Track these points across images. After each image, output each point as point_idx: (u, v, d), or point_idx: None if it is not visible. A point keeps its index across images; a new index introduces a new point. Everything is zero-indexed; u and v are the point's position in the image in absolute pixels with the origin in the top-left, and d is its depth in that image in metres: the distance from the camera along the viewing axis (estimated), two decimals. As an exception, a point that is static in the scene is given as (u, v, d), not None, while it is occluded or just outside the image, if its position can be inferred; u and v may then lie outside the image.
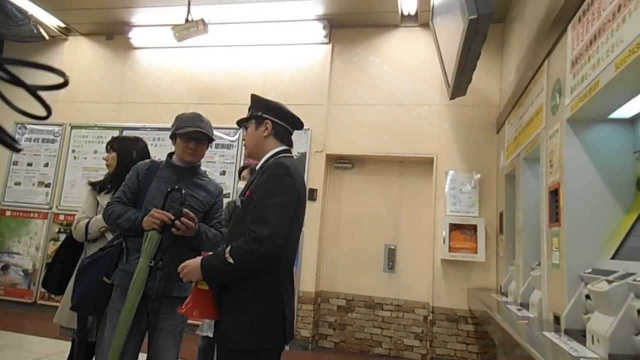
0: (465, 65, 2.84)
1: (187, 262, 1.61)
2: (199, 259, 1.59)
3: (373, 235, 4.43)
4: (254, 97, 1.80)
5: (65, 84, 0.64)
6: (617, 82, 1.50)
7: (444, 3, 2.93)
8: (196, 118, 2.15)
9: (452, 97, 3.55)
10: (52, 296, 4.27)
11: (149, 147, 2.60)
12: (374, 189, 4.51)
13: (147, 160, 2.26)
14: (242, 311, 1.56)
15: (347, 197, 4.56)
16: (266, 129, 1.70)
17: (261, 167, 1.69)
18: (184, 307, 1.60)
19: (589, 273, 1.81)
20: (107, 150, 2.51)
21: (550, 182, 2.20)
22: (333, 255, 4.47)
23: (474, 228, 3.92)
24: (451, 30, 2.81)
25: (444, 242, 3.95)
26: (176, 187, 2.03)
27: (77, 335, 2.23)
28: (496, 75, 4.14)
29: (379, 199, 4.48)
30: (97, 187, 2.42)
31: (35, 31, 5.05)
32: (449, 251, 3.93)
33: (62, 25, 5.15)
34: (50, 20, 5.03)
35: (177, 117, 2.18)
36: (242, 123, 1.81)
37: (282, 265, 1.61)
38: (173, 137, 2.15)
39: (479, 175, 4.05)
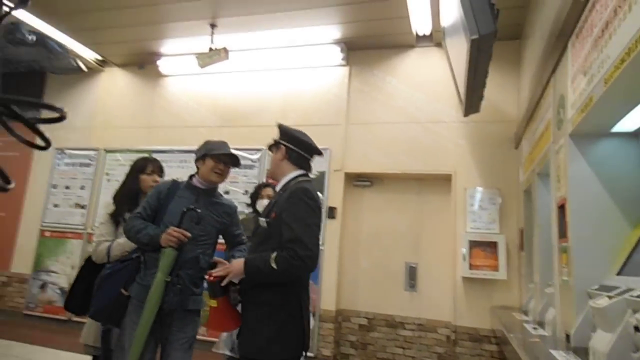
0: (474, 83, 2.87)
1: (232, 263, 1.86)
2: (242, 259, 1.83)
3: (393, 253, 4.43)
4: (278, 126, 2.02)
5: (61, 118, 0.71)
6: (608, 97, 1.51)
7: (452, 24, 2.98)
8: (225, 144, 2.37)
9: (466, 114, 3.57)
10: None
11: (177, 169, 2.70)
12: (393, 207, 4.53)
13: (169, 180, 2.40)
14: (265, 324, 1.72)
15: (366, 215, 4.59)
16: (281, 153, 1.91)
17: (283, 189, 1.88)
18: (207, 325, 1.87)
19: (596, 289, 1.78)
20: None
21: (558, 197, 2.18)
22: (353, 273, 4.48)
23: (494, 245, 3.86)
24: (459, 50, 2.86)
25: (464, 259, 3.91)
26: (192, 207, 2.16)
27: (102, 353, 2.35)
28: (513, 91, 4.12)
29: (399, 217, 4.48)
30: (115, 219, 2.50)
31: (74, 64, 5.45)
32: (470, 269, 3.88)
33: (99, 57, 5.52)
34: (88, 54, 5.40)
35: (207, 142, 2.38)
36: (269, 148, 2.05)
37: (303, 282, 1.81)
38: (202, 158, 2.30)
39: (498, 192, 4.00)
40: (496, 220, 3.97)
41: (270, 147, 2.01)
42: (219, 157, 2.27)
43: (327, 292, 4.28)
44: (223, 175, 2.32)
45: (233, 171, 4.91)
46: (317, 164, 4.49)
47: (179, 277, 2.12)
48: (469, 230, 4.00)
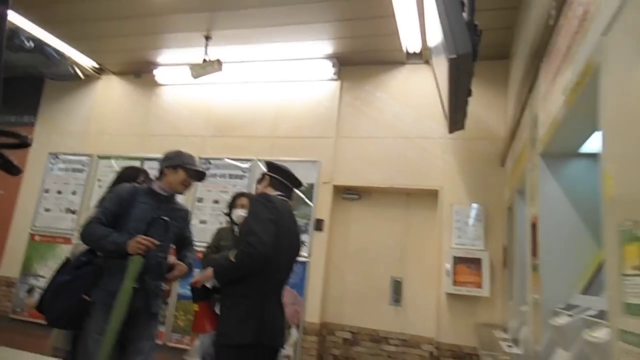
0: (456, 101, 2.92)
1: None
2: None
3: (379, 267, 4.44)
4: (266, 162, 2.53)
5: (23, 145, 0.72)
6: (570, 119, 1.55)
7: (436, 44, 3.04)
8: (195, 159, 2.52)
9: (451, 131, 3.61)
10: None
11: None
12: (380, 220, 4.55)
13: (129, 185, 2.42)
14: (231, 313, 2.02)
15: (353, 228, 4.61)
16: (265, 182, 2.32)
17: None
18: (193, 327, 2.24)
19: (562, 308, 1.79)
20: None
21: (531, 215, 2.21)
22: (339, 286, 4.48)
23: (478, 262, 3.87)
24: (442, 69, 2.91)
25: (448, 275, 3.91)
26: (162, 217, 2.27)
27: (70, 356, 2.37)
28: (501, 109, 4.18)
29: (386, 231, 4.50)
30: None
31: (71, 71, 5.55)
32: (454, 285, 3.88)
33: (96, 65, 5.60)
34: (85, 61, 5.48)
35: (180, 153, 2.47)
36: (258, 182, 2.45)
37: (265, 277, 2.05)
38: (174, 167, 2.37)
39: (484, 208, 4.02)
40: (481, 236, 3.98)
41: (258, 181, 2.41)
42: (191, 173, 2.40)
43: (311, 305, 4.28)
44: (187, 189, 2.49)
45: (224, 180, 4.97)
46: (307, 177, 4.55)
47: (144, 282, 2.20)
48: (454, 246, 4.01)
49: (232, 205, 3.11)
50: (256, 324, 1.98)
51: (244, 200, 3.04)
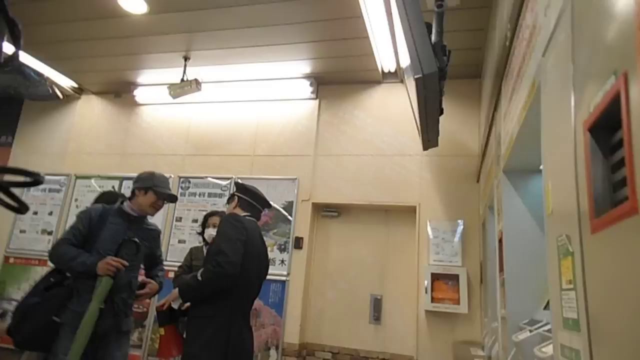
0: (427, 119, 2.97)
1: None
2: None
3: (359, 285, 4.42)
4: (235, 183, 2.77)
5: (36, 183, 0.68)
6: (523, 136, 1.59)
7: (407, 64, 3.11)
8: (167, 181, 2.58)
9: (425, 148, 3.66)
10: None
11: None
12: (360, 238, 4.55)
13: (99, 206, 2.44)
14: (198, 335, 2.01)
15: (333, 245, 4.60)
16: (234, 202, 2.38)
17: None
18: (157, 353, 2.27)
19: (526, 323, 1.81)
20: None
21: (498, 231, 2.24)
22: (319, 305, 4.45)
23: (456, 278, 3.88)
24: (412, 88, 2.96)
25: (426, 292, 3.91)
26: (132, 239, 2.31)
27: None
28: (475, 126, 4.26)
29: (365, 248, 4.50)
30: None
31: (50, 91, 5.51)
32: (432, 302, 3.88)
33: (76, 85, 5.59)
34: (64, 81, 5.47)
35: (152, 175, 2.50)
36: (227, 202, 2.51)
37: (232, 298, 2.05)
38: (145, 189, 2.40)
39: (460, 224, 4.06)
40: (458, 253, 4.00)
41: (228, 201, 2.47)
42: (161, 195, 2.43)
43: (291, 325, 4.22)
44: (157, 210, 2.50)
45: (203, 199, 4.94)
46: (286, 194, 4.56)
47: (113, 302, 2.21)
48: (432, 263, 4.02)
49: (204, 224, 3.10)
50: (223, 346, 1.97)
51: (216, 220, 3.03)
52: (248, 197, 2.36)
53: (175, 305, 2.10)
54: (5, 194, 0.63)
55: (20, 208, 0.65)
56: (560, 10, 1.01)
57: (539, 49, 1.24)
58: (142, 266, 2.51)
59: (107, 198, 2.73)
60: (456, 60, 3.99)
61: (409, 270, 4.23)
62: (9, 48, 0.65)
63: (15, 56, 0.65)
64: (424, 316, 3.96)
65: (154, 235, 2.58)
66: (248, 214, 2.34)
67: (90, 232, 2.28)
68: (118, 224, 2.35)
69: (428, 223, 4.15)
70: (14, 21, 0.66)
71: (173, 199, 2.53)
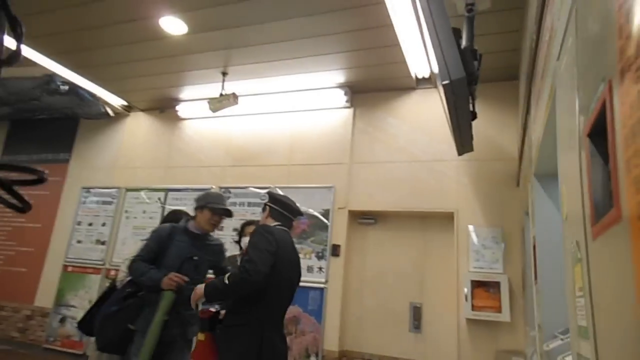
0: (459, 124, 2.93)
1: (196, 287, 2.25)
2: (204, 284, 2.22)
3: (398, 292, 4.38)
4: (267, 192, 2.72)
5: (40, 181, 0.66)
6: (547, 138, 1.56)
7: (437, 70, 3.10)
8: (223, 198, 2.79)
9: (460, 153, 3.60)
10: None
11: (191, 206, 3.03)
12: (397, 245, 4.52)
13: (168, 225, 2.72)
14: (229, 344, 2.08)
15: (371, 252, 4.60)
16: (266, 212, 2.45)
17: None
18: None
19: (561, 332, 1.75)
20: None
21: (532, 237, 2.18)
22: (357, 312, 4.45)
23: (497, 285, 3.77)
24: (442, 94, 2.94)
25: (466, 299, 3.82)
26: (193, 257, 2.55)
27: None
28: (513, 129, 4.13)
29: (403, 255, 4.47)
30: None
31: (103, 110, 5.92)
32: (472, 310, 3.78)
33: (125, 103, 5.95)
34: (115, 100, 5.84)
35: (207, 194, 2.80)
36: (262, 210, 2.57)
37: (265, 307, 2.11)
38: (201, 208, 2.66)
39: (501, 230, 3.95)
40: (499, 259, 3.89)
41: (262, 209, 2.56)
42: (216, 211, 2.64)
43: (330, 332, 4.26)
44: (216, 226, 2.71)
45: (243, 208, 5.10)
46: (322, 202, 4.62)
47: (179, 314, 2.44)
48: (472, 270, 3.93)
49: (241, 233, 3.21)
50: (255, 354, 2.01)
51: (251, 229, 3.12)
52: (279, 206, 2.43)
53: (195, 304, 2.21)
54: (8, 192, 0.61)
55: (24, 207, 0.63)
56: (568, 12, 1.01)
57: (555, 52, 1.23)
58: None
59: (172, 217, 3.12)
60: (492, 64, 3.95)
61: (448, 278, 4.15)
62: (11, 43, 0.66)
63: (17, 54, 0.64)
64: (465, 324, 3.87)
65: (217, 249, 2.80)
66: (279, 223, 2.40)
67: (160, 249, 2.55)
68: (183, 241, 2.59)
69: (467, 229, 4.06)
70: (17, 19, 0.66)
71: (227, 213, 2.69)
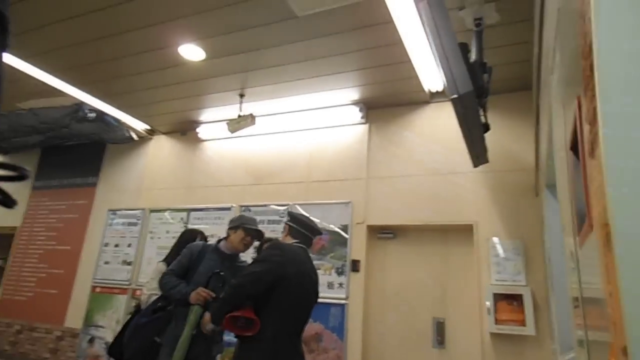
0: (471, 136, 2.95)
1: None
2: None
3: (420, 307, 4.34)
4: (287, 212, 2.87)
5: (21, 177, 0.67)
6: (551, 151, 1.57)
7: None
8: (255, 220, 2.91)
9: (475, 165, 3.60)
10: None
11: (212, 225, 3.13)
12: (417, 259, 4.50)
13: (201, 243, 2.88)
14: (244, 353, 2.17)
15: (391, 267, 4.58)
16: (286, 230, 2.56)
17: None
18: None
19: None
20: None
21: (547, 247, 2.16)
22: (380, 328, 4.42)
23: (520, 298, 3.70)
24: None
25: (489, 313, 3.76)
26: (218, 271, 2.59)
27: None
28: (530, 139, 4.09)
29: (424, 269, 4.43)
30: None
31: (127, 134, 6.15)
32: (496, 323, 3.72)
33: (148, 127, 6.18)
34: (139, 125, 6.08)
35: (242, 216, 2.96)
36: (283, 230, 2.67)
37: (278, 323, 2.14)
38: (235, 228, 2.77)
39: (521, 241, 3.89)
40: (522, 271, 3.82)
41: (283, 228, 2.65)
42: (249, 231, 2.75)
43: (352, 349, 4.24)
44: (248, 246, 2.81)
45: (262, 226, 5.20)
46: (340, 218, 4.66)
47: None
48: (494, 283, 3.87)
49: (259, 250, 3.28)
50: None
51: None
52: (297, 225, 2.51)
53: (208, 330, 2.30)
54: None
55: (7, 202, 0.64)
56: (555, 28, 1.04)
57: (551, 66, 1.26)
58: None
59: (188, 236, 3.27)
60: (504, 75, 3.96)
61: (470, 291, 4.09)
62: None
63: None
64: (489, 339, 3.79)
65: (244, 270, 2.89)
66: (297, 240, 2.48)
67: (191, 265, 2.66)
68: (213, 259, 2.69)
69: (488, 241, 4.02)
70: (4, 15, 0.65)
71: (260, 235, 2.81)
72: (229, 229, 2.81)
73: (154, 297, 2.81)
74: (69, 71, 4.67)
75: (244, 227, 2.74)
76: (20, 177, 0.67)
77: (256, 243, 2.88)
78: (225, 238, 2.82)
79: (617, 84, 0.49)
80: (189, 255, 2.71)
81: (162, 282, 2.62)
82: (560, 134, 1.01)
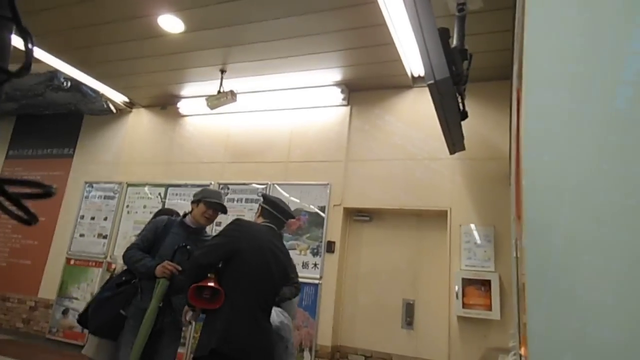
0: (448, 123, 2.97)
1: None
2: None
3: (391, 289, 4.42)
4: (262, 195, 2.95)
5: (47, 194, 0.65)
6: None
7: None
8: (219, 194, 2.91)
9: (451, 152, 3.63)
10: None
11: (189, 202, 3.10)
12: (392, 242, 4.56)
13: (165, 217, 2.84)
14: (207, 326, 2.19)
15: (365, 250, 4.65)
16: (259, 212, 2.58)
17: None
18: None
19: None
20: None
21: (513, 235, 2.21)
22: (351, 308, 4.50)
23: (488, 284, 3.80)
24: (431, 92, 2.97)
25: (457, 297, 3.86)
26: (184, 245, 2.59)
27: None
28: (506, 128, 4.14)
29: (397, 252, 4.51)
30: None
31: (105, 106, 6.01)
32: (463, 307, 3.82)
33: (127, 100, 6.04)
34: (118, 97, 5.94)
35: (204, 189, 2.90)
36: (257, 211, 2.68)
37: (236, 295, 2.18)
38: (197, 202, 2.76)
39: (493, 228, 3.97)
40: (491, 258, 3.91)
41: (257, 210, 2.67)
42: (210, 205, 2.72)
43: (323, 327, 4.32)
44: (211, 220, 2.80)
45: (241, 205, 5.16)
46: (318, 199, 4.67)
47: (170, 302, 2.52)
48: (464, 268, 3.96)
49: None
50: (219, 336, 2.06)
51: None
52: (270, 207, 2.54)
53: (189, 318, 2.35)
54: (16, 205, 0.63)
55: (30, 220, 0.64)
56: (521, 14, 1.04)
57: (517, 55, 1.26)
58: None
59: (164, 211, 3.29)
60: (485, 63, 3.97)
61: (441, 275, 4.18)
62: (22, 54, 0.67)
63: (27, 66, 0.65)
64: (456, 322, 3.90)
65: None
66: (268, 221, 2.51)
67: (156, 239, 2.66)
68: (178, 234, 2.69)
69: (461, 227, 4.09)
70: (27, 31, 0.66)
71: (221, 208, 2.78)
72: (192, 202, 2.80)
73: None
74: (42, 36, 4.50)
75: (205, 200, 2.72)
76: (47, 194, 0.64)
77: (230, 220, 2.85)
78: (190, 212, 2.82)
79: (541, 79, 0.50)
80: (153, 229, 2.70)
81: (127, 256, 2.59)
82: (513, 125, 1.02)
